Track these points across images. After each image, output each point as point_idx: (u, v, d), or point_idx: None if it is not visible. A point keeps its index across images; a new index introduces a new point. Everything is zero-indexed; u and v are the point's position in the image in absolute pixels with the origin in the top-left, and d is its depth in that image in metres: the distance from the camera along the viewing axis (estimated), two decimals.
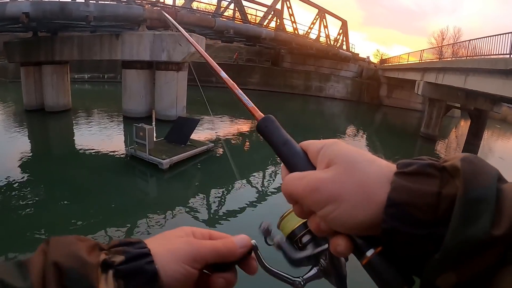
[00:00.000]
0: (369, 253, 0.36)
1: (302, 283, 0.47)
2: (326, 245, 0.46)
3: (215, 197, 9.50)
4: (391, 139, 19.75)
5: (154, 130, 11.70)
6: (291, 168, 0.42)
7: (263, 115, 0.47)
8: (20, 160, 10.99)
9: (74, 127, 16.40)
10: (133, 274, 0.34)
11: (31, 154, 11.97)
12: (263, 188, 10.40)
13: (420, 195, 0.33)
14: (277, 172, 11.61)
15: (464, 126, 24.30)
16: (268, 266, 0.46)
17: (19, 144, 12.84)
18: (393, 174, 0.35)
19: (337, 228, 0.37)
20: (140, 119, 14.78)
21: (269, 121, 0.46)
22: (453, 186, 0.33)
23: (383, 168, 0.36)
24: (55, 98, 17.54)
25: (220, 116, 19.14)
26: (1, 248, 6.28)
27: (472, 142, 18.41)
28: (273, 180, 10.99)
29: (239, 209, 8.82)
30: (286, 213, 0.49)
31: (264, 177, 11.36)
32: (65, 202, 8.71)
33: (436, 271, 0.32)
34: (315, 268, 0.49)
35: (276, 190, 10.01)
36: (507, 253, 0.29)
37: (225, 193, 9.82)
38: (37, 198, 8.81)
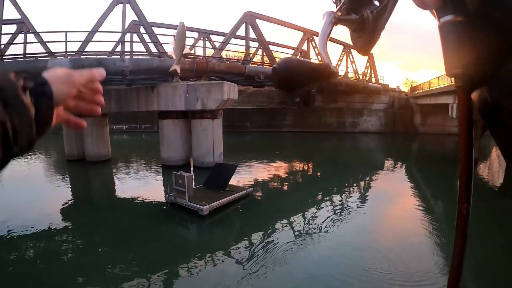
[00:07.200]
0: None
1: None
2: None
3: (257, 242, 9.33)
4: (430, 167, 19.00)
5: (193, 177, 11.89)
6: None
7: None
8: (62, 208, 11.47)
9: (114, 176, 16.96)
10: (40, 94, 0.54)
11: (73, 202, 12.46)
12: (303, 230, 10.15)
13: None
14: (317, 214, 11.39)
15: None
16: None
17: (62, 192, 13.44)
18: None
19: None
20: (178, 167, 15.15)
21: None
22: None
23: None
24: (95, 148, 18.44)
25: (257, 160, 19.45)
26: None
27: None
28: (312, 221, 10.74)
29: (282, 251, 8.62)
30: None
31: (304, 218, 11.12)
32: (106, 249, 8.83)
33: None
34: None
35: (316, 231, 9.77)
36: None
37: (266, 237, 9.64)
38: (78, 245, 8.98)
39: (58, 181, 14.97)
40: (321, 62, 0.61)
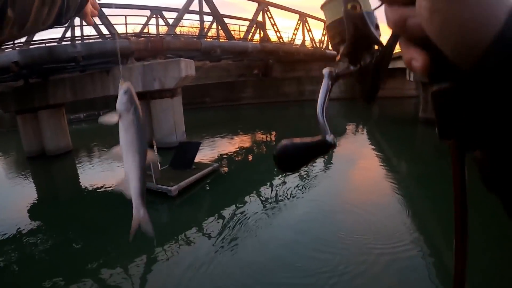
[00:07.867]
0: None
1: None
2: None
3: (228, 215, 9.48)
4: (391, 129, 19.79)
5: (158, 158, 11.74)
6: None
7: None
8: (28, 207, 11.03)
9: (78, 168, 16.43)
10: None
11: (38, 201, 11.99)
12: (271, 199, 10.39)
13: None
14: (284, 182, 11.64)
15: None
16: None
17: (25, 191, 12.92)
18: None
19: (432, 28, 0.29)
20: None
21: None
22: None
23: None
24: (54, 141, 17.65)
25: (220, 135, 19.37)
26: None
27: None
28: (280, 189, 11.00)
29: (253, 222, 8.83)
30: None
31: (272, 187, 11.35)
32: (78, 243, 8.67)
33: None
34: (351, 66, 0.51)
35: (285, 199, 10.03)
36: None
37: (237, 210, 9.81)
38: (49, 243, 8.77)
39: (20, 181, 14.32)
40: (317, 138, 0.57)
